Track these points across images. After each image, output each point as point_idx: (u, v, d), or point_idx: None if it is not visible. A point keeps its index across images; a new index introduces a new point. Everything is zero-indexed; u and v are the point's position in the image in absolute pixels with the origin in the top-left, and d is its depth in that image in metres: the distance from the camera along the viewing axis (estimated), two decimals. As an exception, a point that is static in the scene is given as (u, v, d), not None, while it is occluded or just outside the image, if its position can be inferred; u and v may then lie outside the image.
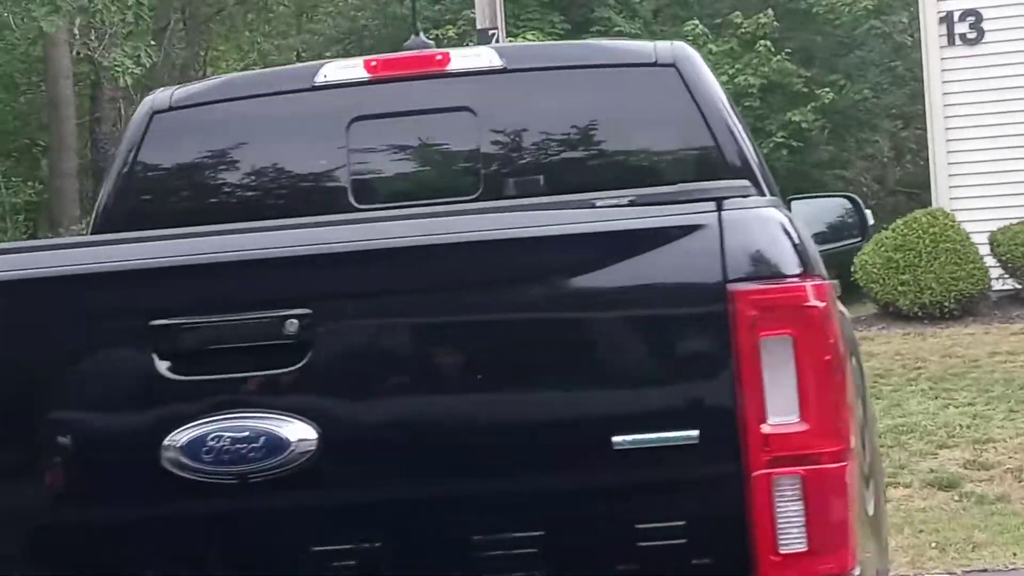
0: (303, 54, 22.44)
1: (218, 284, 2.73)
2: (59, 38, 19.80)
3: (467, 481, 2.70)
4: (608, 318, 2.70)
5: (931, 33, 15.30)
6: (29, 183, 20.24)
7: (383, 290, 2.71)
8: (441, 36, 18.33)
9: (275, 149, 4.26)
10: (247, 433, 2.67)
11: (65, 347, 2.76)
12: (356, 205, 4.10)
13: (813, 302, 2.65)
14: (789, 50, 20.09)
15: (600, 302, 2.69)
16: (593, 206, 2.73)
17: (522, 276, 2.70)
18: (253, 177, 4.28)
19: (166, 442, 2.69)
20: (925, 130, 16.05)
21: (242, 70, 27.95)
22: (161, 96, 4.31)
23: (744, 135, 4.12)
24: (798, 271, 2.66)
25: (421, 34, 4.41)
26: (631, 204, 2.71)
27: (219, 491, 2.68)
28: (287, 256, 2.70)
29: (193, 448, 2.68)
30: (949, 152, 15.21)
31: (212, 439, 2.67)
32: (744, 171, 3.99)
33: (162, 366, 2.70)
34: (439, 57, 4.22)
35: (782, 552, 2.61)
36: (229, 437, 2.67)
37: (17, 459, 2.76)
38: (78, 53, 18.38)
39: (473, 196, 4.10)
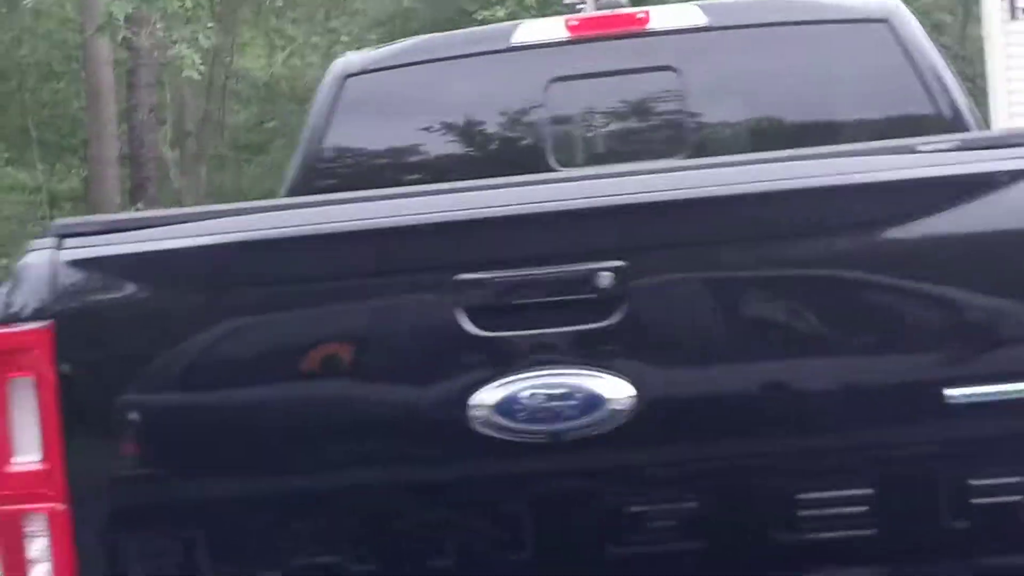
0: (344, 38, 22.30)
1: (527, 236, 2.63)
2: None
3: (791, 439, 2.60)
4: (937, 267, 2.60)
5: (993, 7, 15.15)
6: (73, 171, 20.12)
7: (701, 241, 2.60)
8: (489, 17, 18.15)
9: (470, 111, 4.18)
10: (564, 390, 2.57)
11: (367, 303, 2.67)
12: (555, 167, 4.01)
13: None
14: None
15: (928, 251, 2.59)
16: (915, 151, 2.63)
17: (845, 225, 2.59)
18: (448, 140, 4.20)
19: (473, 400, 2.59)
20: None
21: (269, 57, 27.86)
22: (353, 59, 4.23)
23: (959, 91, 4.03)
24: None
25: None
26: (958, 149, 2.61)
27: (530, 451, 2.59)
28: (600, 206, 2.60)
29: (505, 406, 2.58)
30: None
31: (526, 397, 2.58)
32: (959, 127, 3.90)
33: (468, 322, 2.60)
34: (640, 15, 4.13)
35: None
36: (544, 395, 2.57)
37: (320, 418, 2.67)
38: (126, 39, 18.22)
39: (677, 157, 4.01)
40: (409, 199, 2.71)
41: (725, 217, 2.59)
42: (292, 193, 4.12)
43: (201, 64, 15.19)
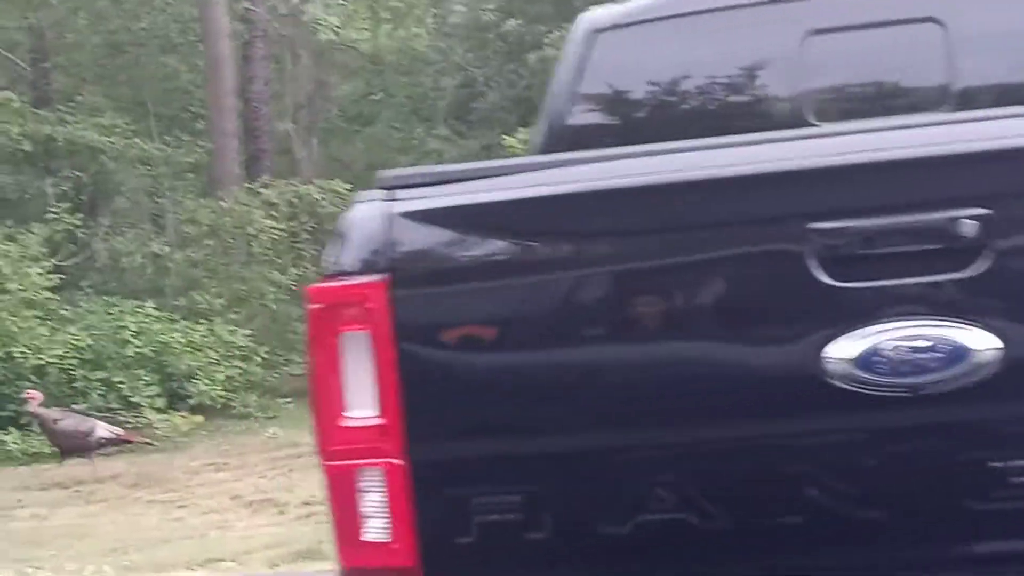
0: (458, 7, 22.29)
1: (883, 183, 2.55)
2: (216, -3, 19.86)
3: None
4: None
5: None
6: (197, 142, 20.28)
7: None
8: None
9: (724, 66, 4.08)
10: (927, 342, 2.49)
11: (717, 254, 2.60)
12: (814, 122, 3.91)
13: None
14: None
15: None
16: None
17: None
18: (702, 95, 4.10)
19: (828, 353, 2.52)
20: None
21: (374, 29, 27.88)
22: (602, 14, 4.14)
23: None
24: None
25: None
26: None
27: (889, 404, 2.52)
28: (963, 152, 2.52)
29: (865, 359, 2.51)
30: None
31: (887, 349, 2.50)
32: None
33: (822, 272, 2.53)
34: (901, -34, 4.00)
35: None
36: (907, 347, 2.50)
37: (669, 372, 2.62)
38: (247, 10, 18.33)
39: (939, 112, 3.89)
40: (755, 147, 2.64)
41: None
42: (545, 145, 4.05)
43: (338, 27, 15.21)
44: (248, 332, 16.78)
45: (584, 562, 2.69)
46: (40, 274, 15.27)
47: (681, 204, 2.61)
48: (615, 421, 2.63)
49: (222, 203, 18.22)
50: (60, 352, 14.71)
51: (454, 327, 2.69)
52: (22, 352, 14.45)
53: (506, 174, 2.72)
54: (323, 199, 19.03)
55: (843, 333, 2.52)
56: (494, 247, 2.68)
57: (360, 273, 2.68)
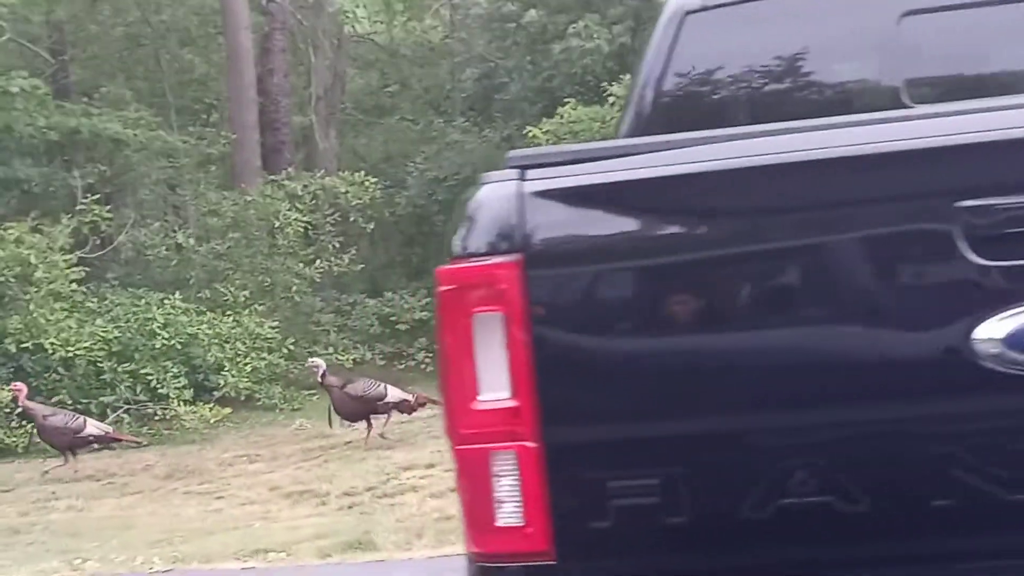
0: (480, -2, 22.23)
1: None
2: (238, -11, 19.81)
3: None
4: None
5: None
6: (223, 135, 20.22)
7: None
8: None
9: (817, 47, 4.02)
10: (1079, 321, 2.45)
11: (862, 232, 2.55)
12: (910, 104, 3.86)
13: None
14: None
15: None
16: None
17: None
18: (794, 77, 4.05)
19: (978, 333, 2.48)
20: None
21: (388, 21, 27.85)
22: (692, -6, 4.08)
23: None
24: None
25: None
26: None
27: None
28: None
29: (1016, 339, 2.47)
30: None
31: (1037, 329, 2.46)
32: None
33: (970, 251, 2.49)
34: (1000, -56, 3.95)
35: None
36: (1059, 326, 2.46)
37: (809, 352, 2.57)
38: (269, 2, 18.27)
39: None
40: (897, 124, 2.59)
41: None
42: (631, 131, 4.00)
43: (364, 18, 15.18)
44: (273, 324, 16.74)
45: (719, 546, 2.64)
46: (67, 266, 15.23)
47: (827, 182, 2.56)
48: (756, 404, 2.59)
49: (246, 196, 18.19)
50: (88, 344, 14.68)
51: (588, 307, 2.65)
52: (51, 344, 14.43)
53: (641, 153, 2.67)
54: (348, 191, 18.99)
55: (993, 313, 2.48)
56: (629, 227, 2.65)
57: (492, 254, 2.63)
